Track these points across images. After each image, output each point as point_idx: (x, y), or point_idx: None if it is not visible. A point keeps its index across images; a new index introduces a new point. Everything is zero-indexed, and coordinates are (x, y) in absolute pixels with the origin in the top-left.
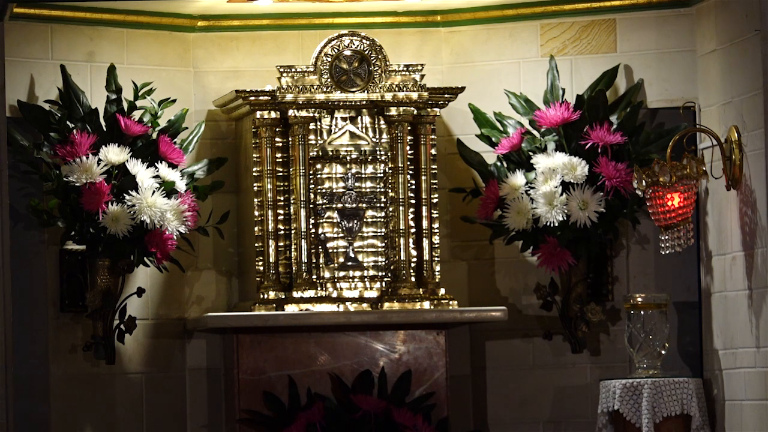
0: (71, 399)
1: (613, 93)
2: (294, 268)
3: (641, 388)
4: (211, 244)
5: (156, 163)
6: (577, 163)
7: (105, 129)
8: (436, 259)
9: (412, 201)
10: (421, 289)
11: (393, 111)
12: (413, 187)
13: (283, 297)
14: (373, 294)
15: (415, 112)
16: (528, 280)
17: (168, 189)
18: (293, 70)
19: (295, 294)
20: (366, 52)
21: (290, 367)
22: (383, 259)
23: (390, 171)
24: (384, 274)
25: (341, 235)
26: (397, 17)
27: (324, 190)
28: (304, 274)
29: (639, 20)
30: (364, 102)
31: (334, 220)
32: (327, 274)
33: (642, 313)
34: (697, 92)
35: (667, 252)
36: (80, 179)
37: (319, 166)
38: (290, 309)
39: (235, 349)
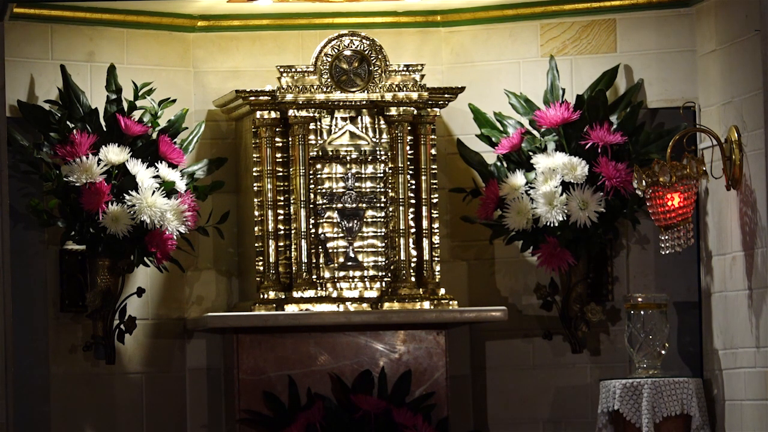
0: (71, 399)
1: (613, 93)
2: (294, 268)
3: (641, 388)
4: (211, 244)
5: (156, 163)
6: (577, 163)
7: (105, 129)
8: (436, 259)
9: (412, 201)
10: (421, 289)
11: (393, 111)
12: (413, 187)
13: (283, 297)
14: (373, 294)
15: (415, 112)
16: (528, 280)
17: (168, 189)
18: (293, 70)
19: (295, 294)
20: (366, 52)
21: (290, 367)
22: (383, 259)
23: (390, 171)
24: (384, 274)
25: (341, 235)
26: (397, 17)
27: (324, 190)
28: (304, 274)
29: (639, 20)
30: (364, 102)
31: (334, 220)
32: (327, 274)
33: (642, 313)
34: (697, 92)
35: (667, 252)
36: (80, 179)
37: (319, 166)
38: (290, 309)
39: (235, 349)
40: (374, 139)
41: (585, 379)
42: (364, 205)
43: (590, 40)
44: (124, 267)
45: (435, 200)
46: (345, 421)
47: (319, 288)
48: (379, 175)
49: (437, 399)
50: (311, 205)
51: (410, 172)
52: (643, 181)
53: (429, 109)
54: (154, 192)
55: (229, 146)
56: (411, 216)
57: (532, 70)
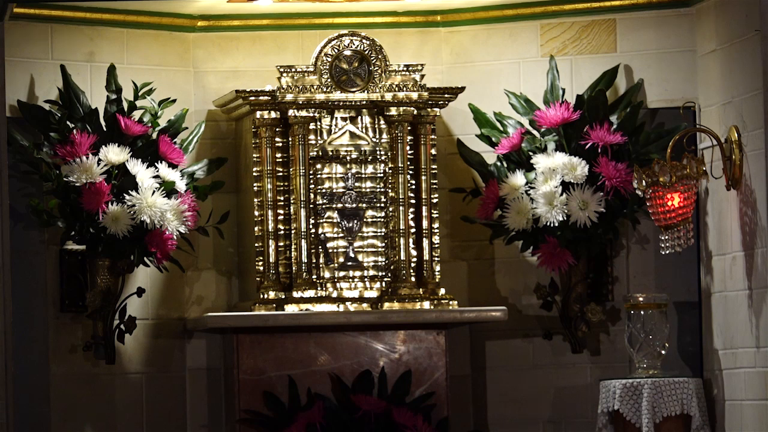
0: (71, 399)
1: (613, 93)
2: (294, 268)
3: (641, 388)
4: (211, 244)
5: (156, 163)
6: (577, 163)
7: (105, 129)
8: (436, 259)
9: (412, 201)
10: (421, 289)
11: (393, 111)
12: (413, 187)
13: (283, 297)
14: (373, 294)
15: (415, 112)
16: (528, 280)
17: (168, 189)
18: (293, 70)
19: (295, 294)
20: (366, 52)
21: (290, 367)
22: (383, 259)
23: (390, 171)
24: (384, 274)
25: (341, 235)
26: (397, 17)
27: (324, 190)
28: (304, 274)
29: (639, 20)
30: (364, 102)
31: (334, 220)
32: (327, 274)
33: (642, 313)
34: (697, 92)
35: (667, 252)
36: (80, 179)
37: (319, 166)
38: (290, 309)
39: (235, 349)
40: (374, 139)
41: (585, 379)
42: (364, 205)
43: (590, 40)
44: (124, 267)
45: (435, 200)
46: (345, 421)
47: (319, 288)
48: (379, 175)
49: (437, 399)
50: (311, 205)
51: (410, 172)
52: (643, 181)
53: (429, 109)
54: (154, 192)
55: (229, 146)
56: (411, 216)
57: (532, 70)
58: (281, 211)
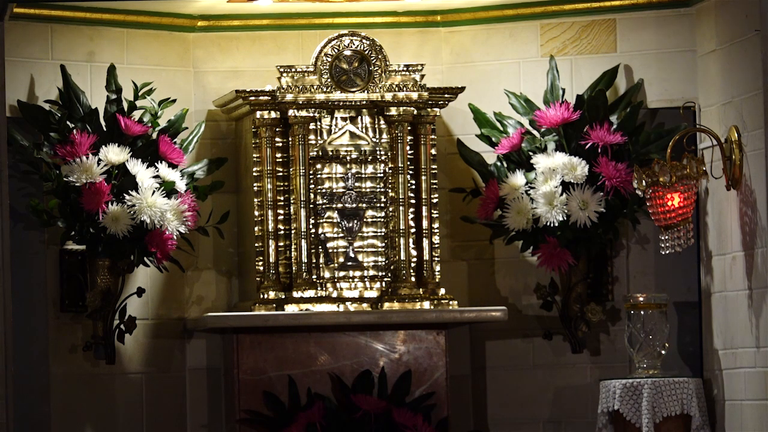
0: (71, 399)
1: (613, 93)
2: (294, 268)
3: (641, 388)
4: (211, 244)
5: (156, 163)
6: (577, 163)
7: (105, 129)
8: (436, 259)
9: (412, 201)
10: (421, 289)
11: (393, 111)
12: (413, 187)
13: (283, 297)
14: (373, 294)
15: (415, 112)
16: (528, 280)
17: (168, 189)
18: (293, 70)
19: (295, 294)
20: (366, 52)
21: (290, 367)
22: (383, 259)
23: (390, 171)
24: (384, 274)
25: (341, 235)
26: (397, 17)
27: (324, 190)
28: (304, 274)
29: (639, 20)
30: (364, 102)
31: (334, 220)
32: (327, 274)
33: (642, 313)
34: (697, 92)
35: (667, 252)
36: (80, 179)
37: (319, 166)
38: (290, 309)
39: (235, 349)
40: (374, 139)
41: (585, 379)
42: (364, 205)
43: (590, 40)
44: (124, 267)
45: (435, 200)
46: (345, 421)
47: (319, 288)
48: (379, 175)
49: (437, 399)
50: (311, 205)
51: (410, 172)
52: (643, 181)
53: (429, 109)
54: (154, 192)
55: (229, 146)
56: (411, 216)
57: (532, 70)
58: (281, 211)
